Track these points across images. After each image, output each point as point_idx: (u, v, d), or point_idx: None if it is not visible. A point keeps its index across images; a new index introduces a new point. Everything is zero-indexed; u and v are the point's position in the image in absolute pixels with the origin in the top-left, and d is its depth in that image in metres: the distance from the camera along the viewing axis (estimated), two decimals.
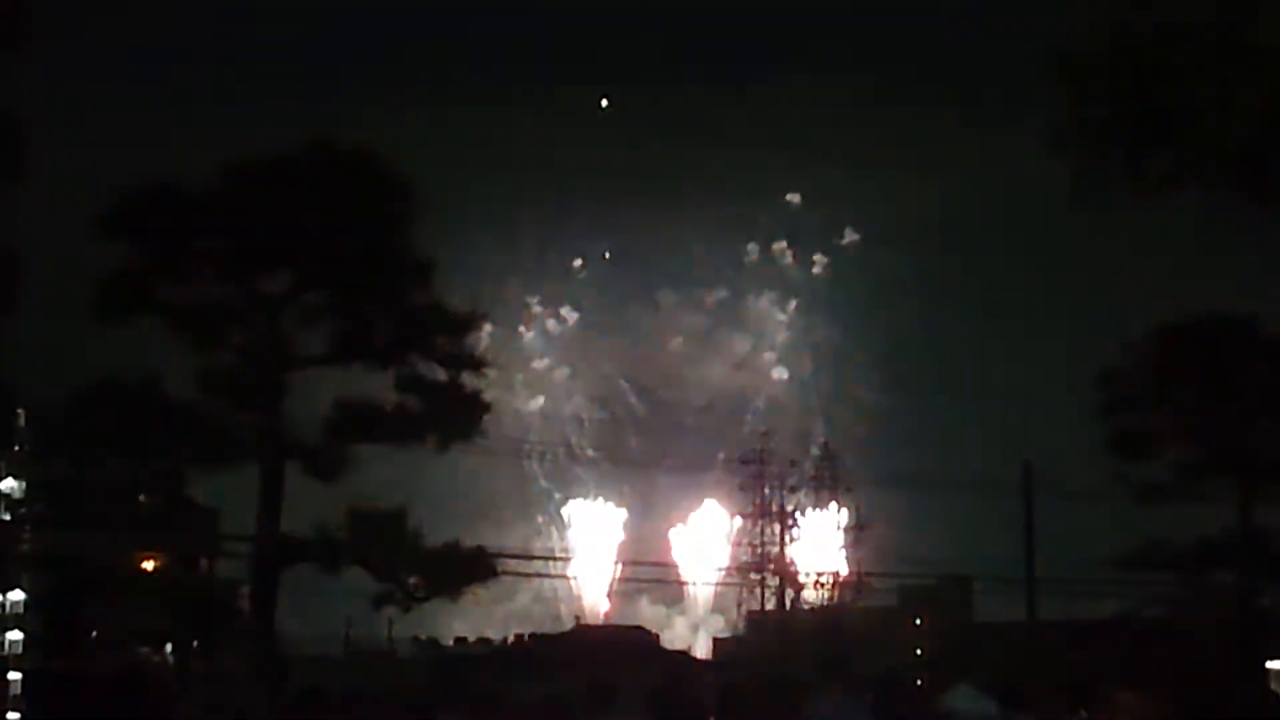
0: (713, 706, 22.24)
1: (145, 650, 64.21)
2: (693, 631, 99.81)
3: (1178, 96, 5.97)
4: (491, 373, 27.22)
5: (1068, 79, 6.26)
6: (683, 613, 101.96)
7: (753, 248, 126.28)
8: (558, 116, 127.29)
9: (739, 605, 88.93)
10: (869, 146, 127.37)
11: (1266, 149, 5.91)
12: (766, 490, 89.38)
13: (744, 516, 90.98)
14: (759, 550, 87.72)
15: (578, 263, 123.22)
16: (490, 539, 31.94)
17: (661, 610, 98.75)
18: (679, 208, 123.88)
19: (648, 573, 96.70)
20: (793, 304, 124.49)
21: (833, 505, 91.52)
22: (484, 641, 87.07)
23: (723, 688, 23.72)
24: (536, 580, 74.78)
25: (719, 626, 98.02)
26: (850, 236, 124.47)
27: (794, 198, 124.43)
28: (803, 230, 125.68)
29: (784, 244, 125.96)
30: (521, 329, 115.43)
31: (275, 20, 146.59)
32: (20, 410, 75.83)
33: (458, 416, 26.60)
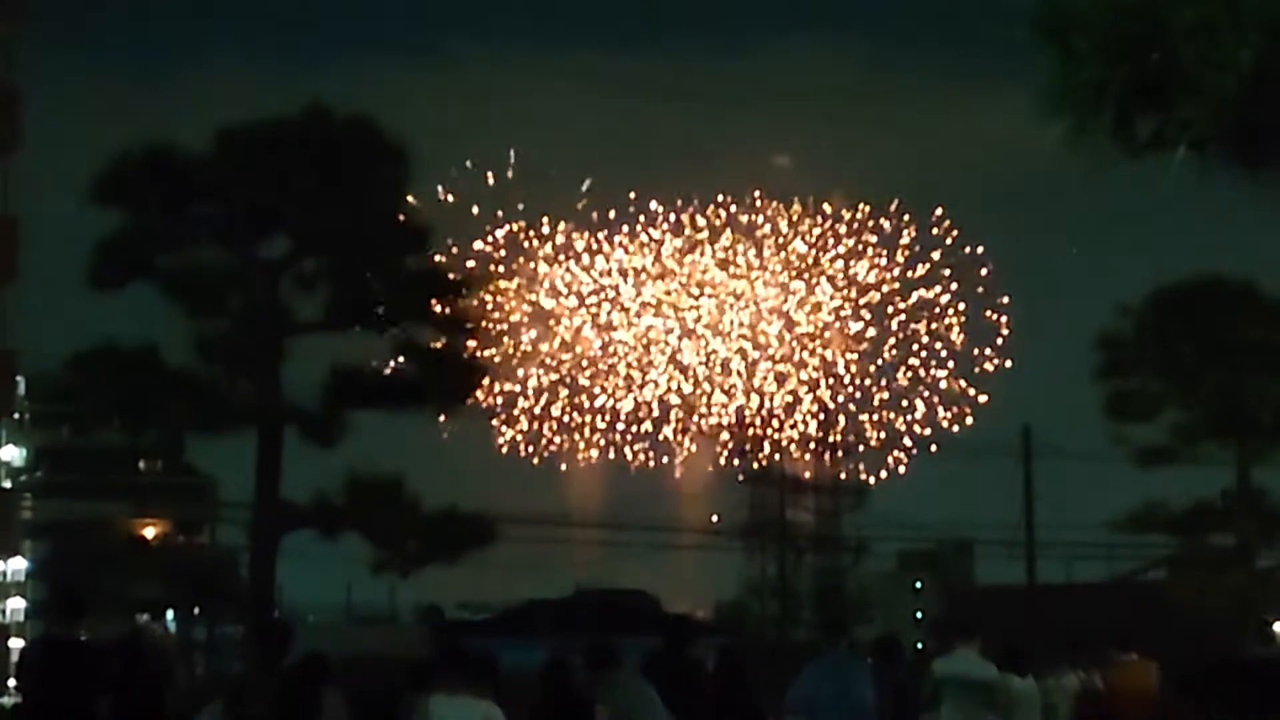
0: (713, 670, 22.27)
1: (145, 617, 64.33)
2: (685, 594, 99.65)
3: (1166, 56, 5.97)
4: (488, 337, 27.26)
5: (1055, 40, 6.26)
6: (670, 574, 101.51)
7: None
8: (548, 78, 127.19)
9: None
10: (857, 109, 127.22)
11: (1255, 108, 5.90)
12: (766, 453, 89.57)
13: (743, 480, 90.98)
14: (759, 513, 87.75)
15: (569, 226, 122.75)
16: (491, 503, 31.89)
17: (649, 572, 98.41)
18: (665, 169, 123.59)
19: (640, 535, 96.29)
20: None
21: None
22: (484, 606, 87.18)
23: (723, 651, 23.73)
24: (537, 544, 74.77)
25: (708, 588, 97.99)
26: (839, 200, 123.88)
27: (782, 161, 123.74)
28: (790, 194, 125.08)
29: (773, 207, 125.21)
30: (516, 293, 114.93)
31: None
32: (20, 378, 76.06)
33: (455, 381, 26.64)
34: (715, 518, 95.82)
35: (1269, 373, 36.15)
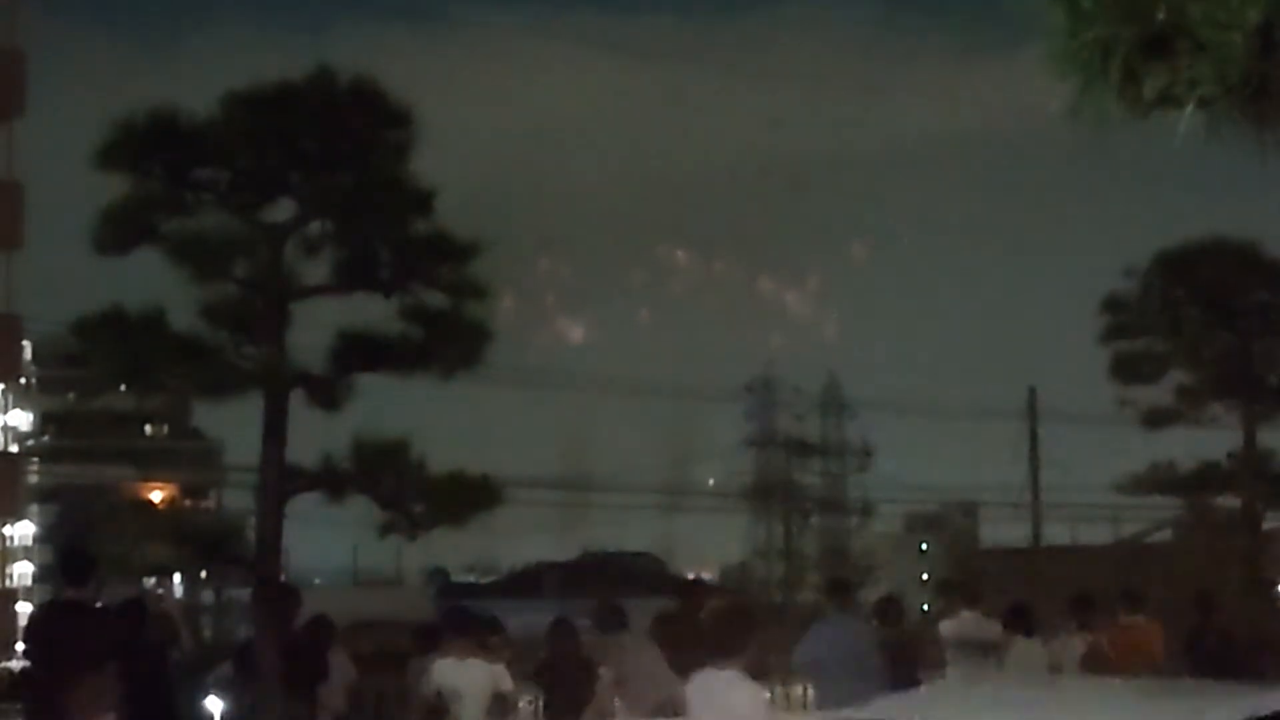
0: (719, 631, 22.31)
1: (151, 582, 64.43)
2: (691, 556, 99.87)
3: (1174, 13, 5.94)
4: (500, 303, 27.15)
5: None
6: (676, 536, 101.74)
7: None
8: (552, 44, 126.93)
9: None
10: (865, 73, 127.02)
11: (1263, 65, 5.88)
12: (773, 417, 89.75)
13: (750, 443, 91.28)
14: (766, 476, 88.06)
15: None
16: (499, 467, 31.89)
17: (656, 534, 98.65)
18: (672, 135, 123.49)
19: (647, 498, 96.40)
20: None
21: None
22: (492, 569, 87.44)
23: (729, 613, 23.76)
24: (544, 507, 74.99)
25: (705, 550, 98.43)
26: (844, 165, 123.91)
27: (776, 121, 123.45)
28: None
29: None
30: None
31: None
32: (26, 343, 76.08)
33: (461, 345, 26.56)
34: (711, 481, 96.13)
35: (1275, 334, 36.15)
